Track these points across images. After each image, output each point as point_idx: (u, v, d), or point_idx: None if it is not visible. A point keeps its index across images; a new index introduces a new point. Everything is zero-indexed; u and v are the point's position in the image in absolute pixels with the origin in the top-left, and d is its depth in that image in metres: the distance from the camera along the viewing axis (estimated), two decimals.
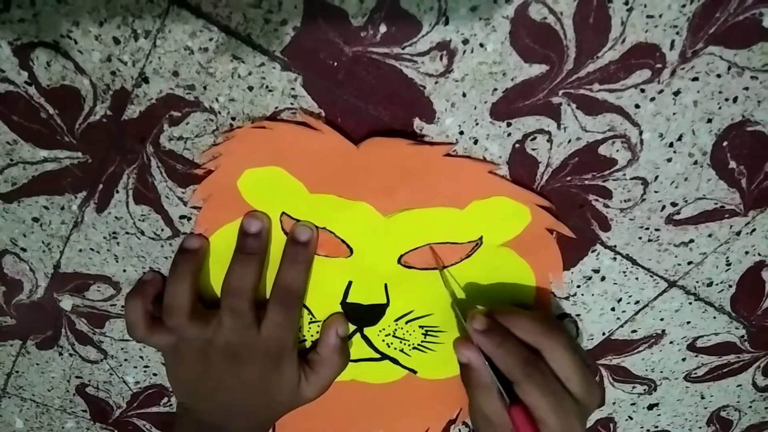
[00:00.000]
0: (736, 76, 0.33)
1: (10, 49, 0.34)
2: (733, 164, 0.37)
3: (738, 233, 0.40)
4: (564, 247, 0.40)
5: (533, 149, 0.36)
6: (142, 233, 0.41)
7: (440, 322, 0.42)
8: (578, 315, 0.44)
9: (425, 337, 0.43)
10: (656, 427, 0.52)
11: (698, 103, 0.34)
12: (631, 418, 0.51)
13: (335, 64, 0.33)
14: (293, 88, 0.34)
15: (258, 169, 0.37)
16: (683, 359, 0.47)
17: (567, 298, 0.43)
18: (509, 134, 0.36)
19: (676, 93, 0.34)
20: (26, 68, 0.34)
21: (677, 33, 0.32)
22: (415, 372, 0.45)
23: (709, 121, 0.35)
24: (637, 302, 0.43)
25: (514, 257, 0.40)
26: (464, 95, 0.34)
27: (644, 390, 0.49)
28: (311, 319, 0.42)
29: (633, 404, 0.50)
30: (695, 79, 0.33)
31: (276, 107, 0.35)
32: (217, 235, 0.40)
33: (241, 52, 0.33)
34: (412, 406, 0.47)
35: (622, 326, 0.45)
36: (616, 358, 0.47)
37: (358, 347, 0.44)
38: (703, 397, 0.50)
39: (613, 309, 0.44)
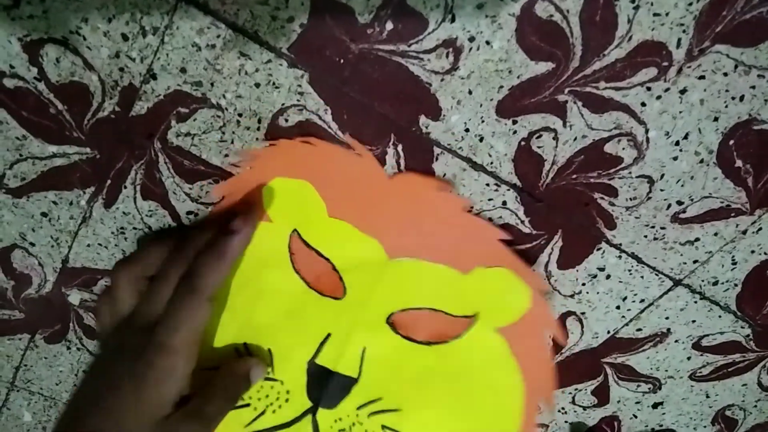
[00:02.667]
0: (743, 75, 0.33)
1: (19, 45, 0.34)
2: (739, 163, 0.37)
3: (744, 232, 0.40)
4: (569, 245, 0.40)
5: (539, 147, 0.36)
6: (150, 228, 0.41)
7: (405, 425, 0.39)
8: (583, 313, 0.44)
9: None
10: (661, 425, 0.52)
11: (705, 101, 0.34)
12: (636, 417, 0.51)
13: (342, 61, 0.33)
14: (300, 85, 0.34)
15: (287, 180, 0.36)
16: (688, 358, 0.47)
17: (572, 296, 0.43)
18: (515, 132, 0.36)
19: (683, 91, 0.34)
20: (36, 64, 0.35)
21: (684, 31, 0.32)
22: None
23: (716, 119, 0.35)
24: (642, 300, 0.43)
25: (506, 356, 0.38)
26: (470, 93, 0.34)
27: (649, 389, 0.49)
28: (268, 373, 0.39)
29: (638, 403, 0.50)
30: (702, 77, 0.33)
31: (282, 104, 0.35)
32: None
33: (248, 49, 0.33)
34: None
35: (627, 324, 0.45)
36: (621, 356, 0.47)
37: None
38: (708, 396, 0.50)
39: (618, 307, 0.44)
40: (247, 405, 0.40)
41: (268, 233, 0.38)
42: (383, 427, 0.39)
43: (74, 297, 0.45)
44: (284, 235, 0.38)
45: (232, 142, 0.37)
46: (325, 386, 0.38)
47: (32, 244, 0.43)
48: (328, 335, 0.38)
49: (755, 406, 0.51)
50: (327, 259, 0.38)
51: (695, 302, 0.43)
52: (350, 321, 0.38)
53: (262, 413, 0.40)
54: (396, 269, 0.37)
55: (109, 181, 0.39)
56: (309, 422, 0.39)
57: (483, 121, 0.35)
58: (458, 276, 0.37)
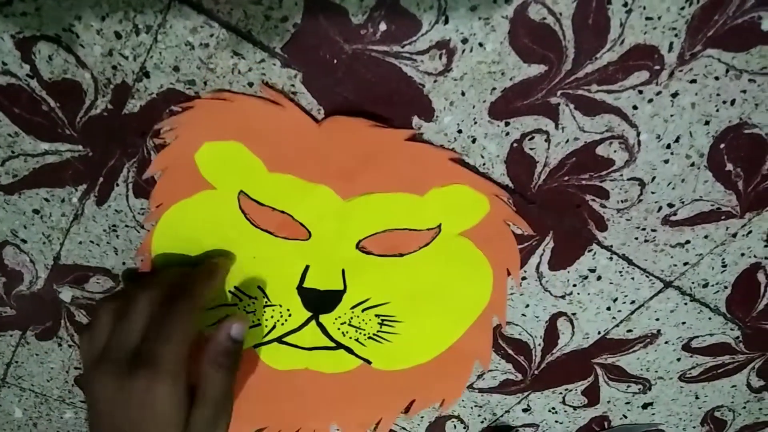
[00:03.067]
0: (734, 79, 0.34)
1: (12, 42, 0.34)
2: (730, 166, 0.37)
3: (734, 235, 0.40)
4: (560, 246, 0.40)
5: (531, 149, 0.36)
6: (142, 227, 0.41)
7: (397, 311, 0.43)
8: (574, 314, 0.44)
9: (381, 327, 0.43)
10: (650, 426, 0.52)
11: (696, 105, 0.34)
12: (626, 417, 0.52)
13: (335, 61, 0.33)
14: (293, 85, 0.34)
15: (217, 143, 0.36)
16: (678, 359, 0.47)
17: (563, 297, 0.43)
18: (507, 133, 0.36)
19: (674, 95, 0.34)
20: (28, 61, 0.34)
21: (676, 35, 0.32)
22: (369, 362, 0.45)
23: (707, 123, 0.35)
24: (632, 302, 0.43)
25: (471, 248, 0.40)
26: (463, 94, 0.34)
27: (639, 389, 0.49)
28: (266, 302, 0.42)
29: (627, 403, 0.51)
30: (693, 81, 0.34)
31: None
32: (173, 211, 0.39)
33: (241, 48, 0.33)
34: (365, 396, 0.47)
35: (617, 326, 0.45)
36: (611, 357, 0.47)
37: (313, 335, 0.43)
38: (697, 397, 0.50)
39: (608, 308, 0.44)
40: (258, 325, 0.43)
41: (216, 201, 0.38)
42: (377, 315, 0.43)
43: (66, 294, 0.45)
44: (232, 200, 0.38)
45: None
46: (319, 300, 0.42)
47: (24, 241, 0.43)
48: (307, 267, 0.40)
49: (744, 407, 0.51)
50: (282, 212, 0.38)
51: (685, 304, 0.44)
52: (323, 253, 0.40)
53: (273, 328, 0.43)
54: (353, 206, 0.38)
55: (101, 179, 0.39)
56: (314, 325, 0.43)
57: (476, 123, 0.35)
58: (416, 199, 0.38)
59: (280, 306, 0.42)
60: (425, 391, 0.47)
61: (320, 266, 0.40)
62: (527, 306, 0.44)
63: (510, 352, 0.46)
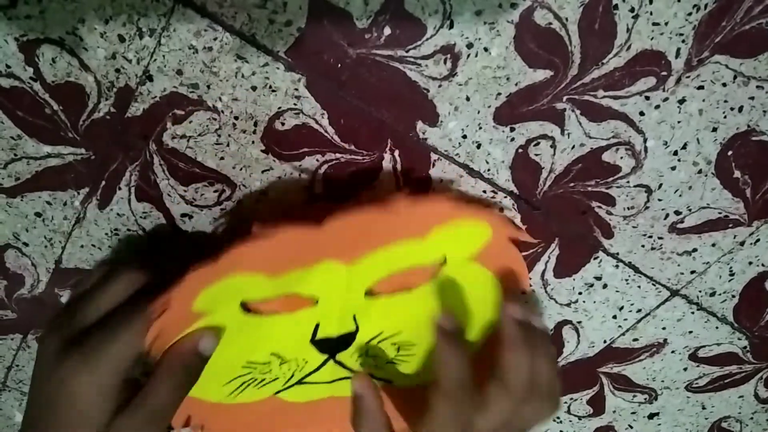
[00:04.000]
0: (742, 86, 0.33)
1: (16, 44, 0.34)
2: (737, 174, 0.36)
3: (742, 243, 0.40)
4: (566, 254, 0.40)
5: (536, 155, 0.36)
6: (144, 230, 0.41)
7: (411, 337, 0.42)
8: (579, 322, 0.44)
9: (398, 352, 0.42)
10: None
11: (703, 111, 0.34)
12: (632, 427, 0.51)
13: (339, 65, 0.33)
14: (296, 89, 0.34)
15: (214, 287, 0.34)
16: (685, 369, 0.47)
17: (568, 305, 0.43)
18: (512, 139, 0.35)
19: (681, 101, 0.34)
20: (32, 64, 0.34)
21: (683, 41, 0.32)
22: (390, 382, 0.45)
23: (714, 130, 0.35)
24: (639, 310, 0.43)
25: (478, 269, 0.39)
26: (468, 99, 0.34)
27: (645, 399, 0.49)
28: (281, 361, 0.40)
29: (633, 413, 0.50)
30: (701, 87, 0.33)
31: (279, 107, 0.35)
32: None
33: (245, 52, 0.33)
34: (388, 411, 0.47)
35: (623, 334, 0.44)
36: (617, 366, 0.47)
37: (332, 371, 0.43)
38: (704, 408, 0.50)
39: (614, 317, 0.43)
40: (276, 379, 0.42)
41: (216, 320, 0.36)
42: (393, 344, 0.42)
43: (67, 298, 0.45)
44: (234, 311, 0.36)
45: (228, 145, 0.37)
46: (333, 344, 0.41)
47: (26, 244, 0.42)
48: (317, 325, 0.39)
49: (751, 418, 0.51)
50: (286, 295, 0.37)
51: (692, 313, 0.43)
52: (332, 311, 0.39)
53: (291, 377, 0.42)
54: (358, 266, 0.37)
55: (103, 182, 0.39)
56: (332, 363, 0.42)
57: (480, 128, 0.35)
58: (418, 241, 0.37)
59: (296, 359, 0.41)
60: None
61: (330, 320, 0.39)
62: None
63: None
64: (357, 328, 0.40)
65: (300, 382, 0.43)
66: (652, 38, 0.32)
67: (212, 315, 0.35)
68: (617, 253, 0.40)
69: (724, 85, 0.33)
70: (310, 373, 0.42)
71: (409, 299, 0.39)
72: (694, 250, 0.40)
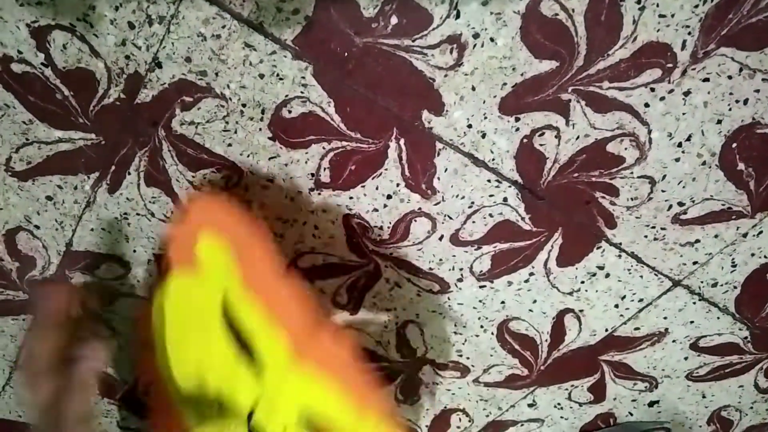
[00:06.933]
0: (748, 78, 0.33)
1: (27, 31, 0.34)
2: (741, 166, 0.37)
3: (744, 235, 0.40)
4: (569, 243, 0.40)
5: (541, 145, 0.36)
6: (153, 215, 0.41)
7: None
8: (581, 311, 0.44)
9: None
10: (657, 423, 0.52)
11: (708, 103, 0.34)
12: (632, 414, 0.52)
13: (346, 54, 0.33)
14: (303, 77, 0.34)
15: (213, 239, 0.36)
16: (685, 358, 0.47)
17: (571, 294, 0.43)
18: (517, 129, 0.36)
19: (687, 93, 0.34)
20: (43, 50, 0.35)
21: (689, 33, 0.32)
22: None
23: (719, 122, 0.35)
24: (641, 300, 0.43)
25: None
26: (473, 89, 0.34)
27: (645, 387, 0.49)
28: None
29: (633, 401, 0.50)
30: (706, 79, 0.33)
31: (286, 95, 0.35)
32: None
33: (253, 40, 0.33)
34: None
35: (625, 323, 0.45)
36: (618, 354, 0.47)
37: None
38: (704, 396, 0.50)
39: (616, 306, 0.44)
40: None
41: (200, 290, 0.38)
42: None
43: (77, 280, 0.46)
44: (214, 296, 0.37)
45: (236, 132, 0.37)
46: None
47: (37, 227, 0.43)
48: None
49: (751, 407, 0.51)
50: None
51: (694, 303, 0.43)
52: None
53: None
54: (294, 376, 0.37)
55: (113, 167, 0.39)
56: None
57: (486, 118, 0.35)
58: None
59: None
60: None
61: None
62: (534, 302, 0.44)
63: (516, 347, 0.46)
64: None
65: None
66: (658, 30, 0.32)
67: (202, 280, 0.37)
68: (620, 243, 0.40)
69: (730, 77, 0.33)
70: None
71: None
72: (697, 241, 0.40)
